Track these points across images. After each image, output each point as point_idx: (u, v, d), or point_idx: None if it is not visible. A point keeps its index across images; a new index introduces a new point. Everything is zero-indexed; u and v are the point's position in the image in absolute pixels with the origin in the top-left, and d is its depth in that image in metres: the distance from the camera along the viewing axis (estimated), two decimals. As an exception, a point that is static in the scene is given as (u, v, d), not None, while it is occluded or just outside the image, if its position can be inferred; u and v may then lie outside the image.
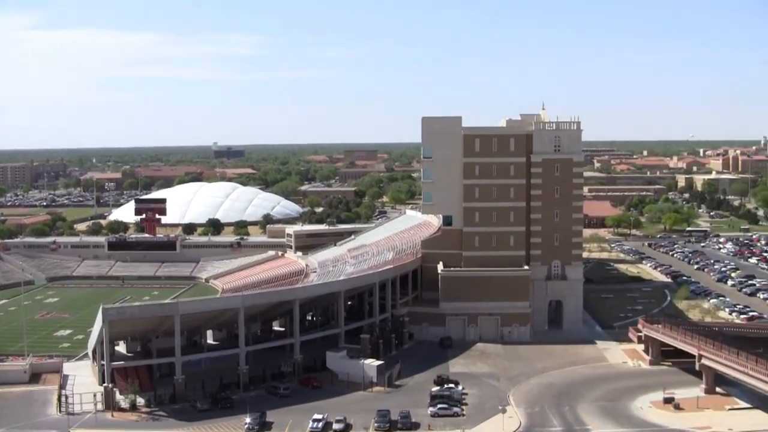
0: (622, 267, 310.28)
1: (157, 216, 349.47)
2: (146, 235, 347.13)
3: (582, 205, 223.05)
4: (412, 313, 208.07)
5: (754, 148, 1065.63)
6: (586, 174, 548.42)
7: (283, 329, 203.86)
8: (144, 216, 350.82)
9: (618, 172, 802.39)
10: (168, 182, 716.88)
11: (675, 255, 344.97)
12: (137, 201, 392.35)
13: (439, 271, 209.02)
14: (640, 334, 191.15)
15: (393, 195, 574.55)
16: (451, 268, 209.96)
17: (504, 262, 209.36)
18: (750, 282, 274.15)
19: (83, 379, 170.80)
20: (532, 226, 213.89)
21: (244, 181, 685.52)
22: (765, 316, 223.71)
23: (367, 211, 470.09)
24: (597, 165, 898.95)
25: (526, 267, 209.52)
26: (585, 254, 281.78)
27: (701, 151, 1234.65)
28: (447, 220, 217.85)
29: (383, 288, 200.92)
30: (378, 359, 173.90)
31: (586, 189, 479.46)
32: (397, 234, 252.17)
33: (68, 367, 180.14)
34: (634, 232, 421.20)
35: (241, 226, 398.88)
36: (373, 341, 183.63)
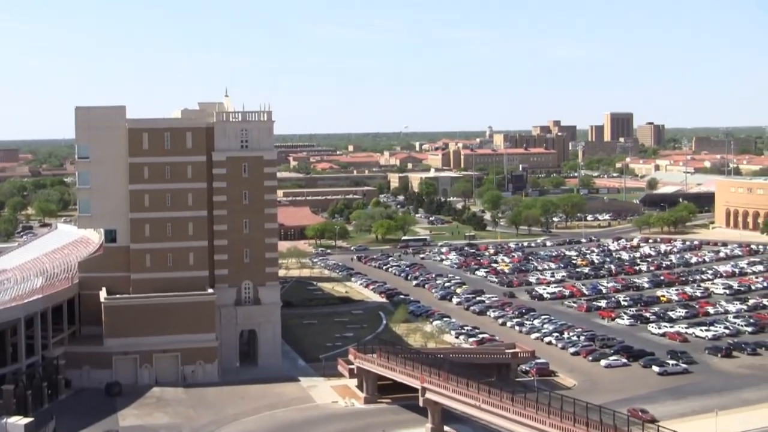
0: (327, 286, 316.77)
1: None
2: None
3: (276, 213, 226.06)
4: (69, 354, 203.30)
5: (478, 140, 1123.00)
6: (281, 175, 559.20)
7: None
8: None
9: (319, 172, 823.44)
10: None
11: (390, 269, 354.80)
12: None
13: (102, 300, 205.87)
14: (351, 366, 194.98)
15: (40, 205, 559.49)
16: (118, 296, 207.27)
17: (183, 285, 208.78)
18: (478, 298, 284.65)
19: None
20: (216, 239, 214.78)
21: None
22: (497, 337, 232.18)
23: (7, 226, 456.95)
24: (294, 164, 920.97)
25: (210, 290, 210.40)
26: (282, 272, 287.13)
27: (417, 144, 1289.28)
28: (110, 236, 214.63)
29: (31, 324, 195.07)
30: (26, 416, 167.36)
31: (281, 193, 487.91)
32: (47, 255, 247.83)
33: None
34: (340, 243, 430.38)
35: None
36: (19, 393, 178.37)
